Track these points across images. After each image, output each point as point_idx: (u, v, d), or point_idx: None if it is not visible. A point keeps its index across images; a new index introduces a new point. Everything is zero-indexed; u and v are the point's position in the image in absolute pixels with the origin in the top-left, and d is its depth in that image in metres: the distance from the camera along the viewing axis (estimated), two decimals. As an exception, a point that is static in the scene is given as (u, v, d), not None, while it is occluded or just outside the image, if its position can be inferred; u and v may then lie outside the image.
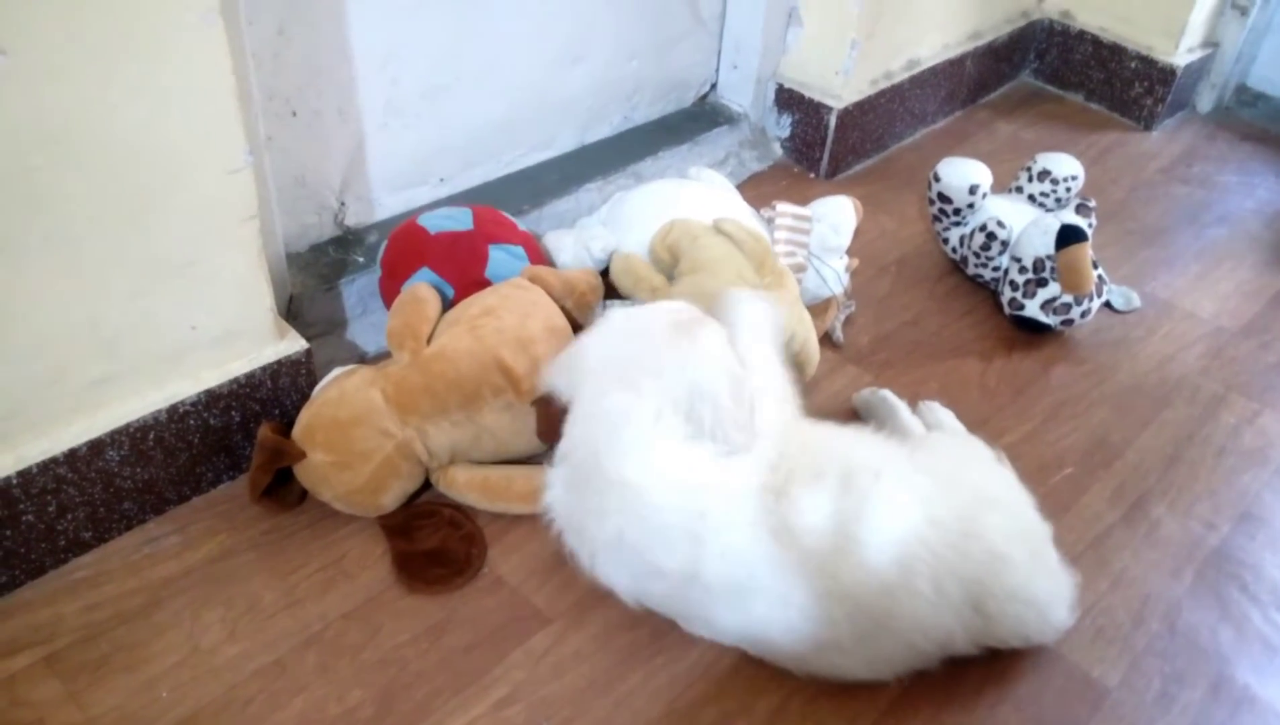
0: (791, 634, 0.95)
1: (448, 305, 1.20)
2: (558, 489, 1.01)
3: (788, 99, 1.80)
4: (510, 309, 1.16)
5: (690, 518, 0.94)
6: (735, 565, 0.94)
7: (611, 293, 1.34)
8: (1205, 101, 2.17)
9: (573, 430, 1.00)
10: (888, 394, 1.30)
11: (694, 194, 1.41)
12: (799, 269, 1.39)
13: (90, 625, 1.01)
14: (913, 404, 1.31)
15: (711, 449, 0.95)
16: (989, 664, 1.02)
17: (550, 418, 1.16)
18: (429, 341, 1.14)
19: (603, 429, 0.97)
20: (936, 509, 0.97)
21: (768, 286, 1.24)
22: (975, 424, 1.30)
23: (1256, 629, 1.12)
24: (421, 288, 1.18)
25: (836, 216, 1.45)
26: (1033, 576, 1.00)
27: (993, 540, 0.97)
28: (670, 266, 1.29)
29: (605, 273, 1.37)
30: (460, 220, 1.28)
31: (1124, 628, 1.10)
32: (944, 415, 1.30)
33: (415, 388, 1.10)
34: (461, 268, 1.24)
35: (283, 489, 1.12)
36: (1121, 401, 1.41)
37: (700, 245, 1.26)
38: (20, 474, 0.98)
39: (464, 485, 1.14)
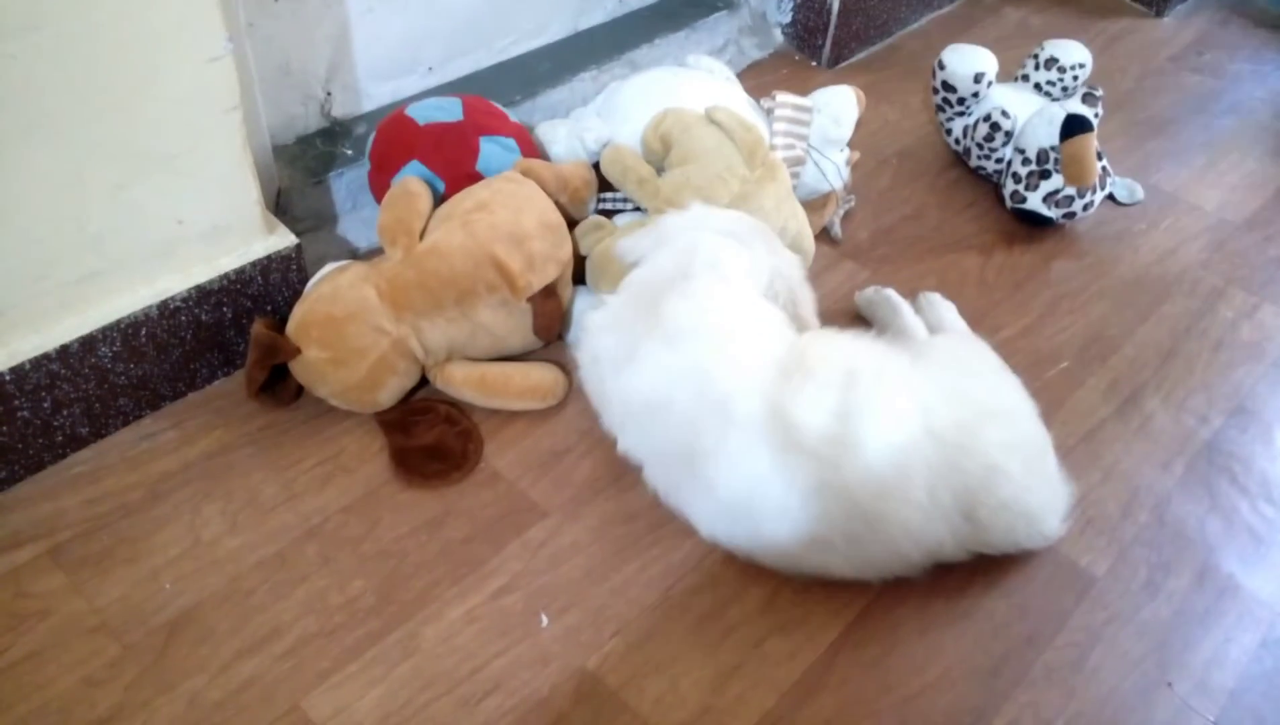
0: (786, 516, 0.95)
1: (439, 199, 1.18)
2: (615, 307, 1.05)
3: (789, -17, 1.74)
4: (504, 204, 1.14)
5: (754, 334, 1.01)
6: (756, 412, 0.95)
7: (605, 186, 1.31)
8: (1221, -15, 2.10)
9: (660, 254, 1.07)
10: (891, 293, 1.29)
11: (691, 83, 1.37)
12: (798, 162, 1.36)
13: (92, 519, 1.02)
14: (912, 299, 1.30)
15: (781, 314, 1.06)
16: (978, 554, 1.04)
17: (547, 314, 1.15)
18: (422, 237, 1.12)
19: (704, 249, 1.04)
20: (936, 419, 0.97)
21: (758, 179, 1.22)
22: (973, 318, 1.29)
23: (1244, 520, 1.13)
24: (412, 181, 1.16)
25: (838, 108, 1.41)
26: (1027, 488, 1.00)
27: (989, 453, 0.97)
28: (663, 156, 1.26)
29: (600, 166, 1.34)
30: (450, 111, 1.24)
31: (1113, 519, 1.12)
32: (944, 309, 1.29)
33: (409, 284, 1.09)
34: (452, 160, 1.21)
35: (279, 385, 1.12)
36: (1120, 295, 1.40)
37: (692, 135, 1.24)
38: (13, 370, 0.98)
39: (461, 382, 1.14)
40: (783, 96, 1.38)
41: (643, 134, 1.28)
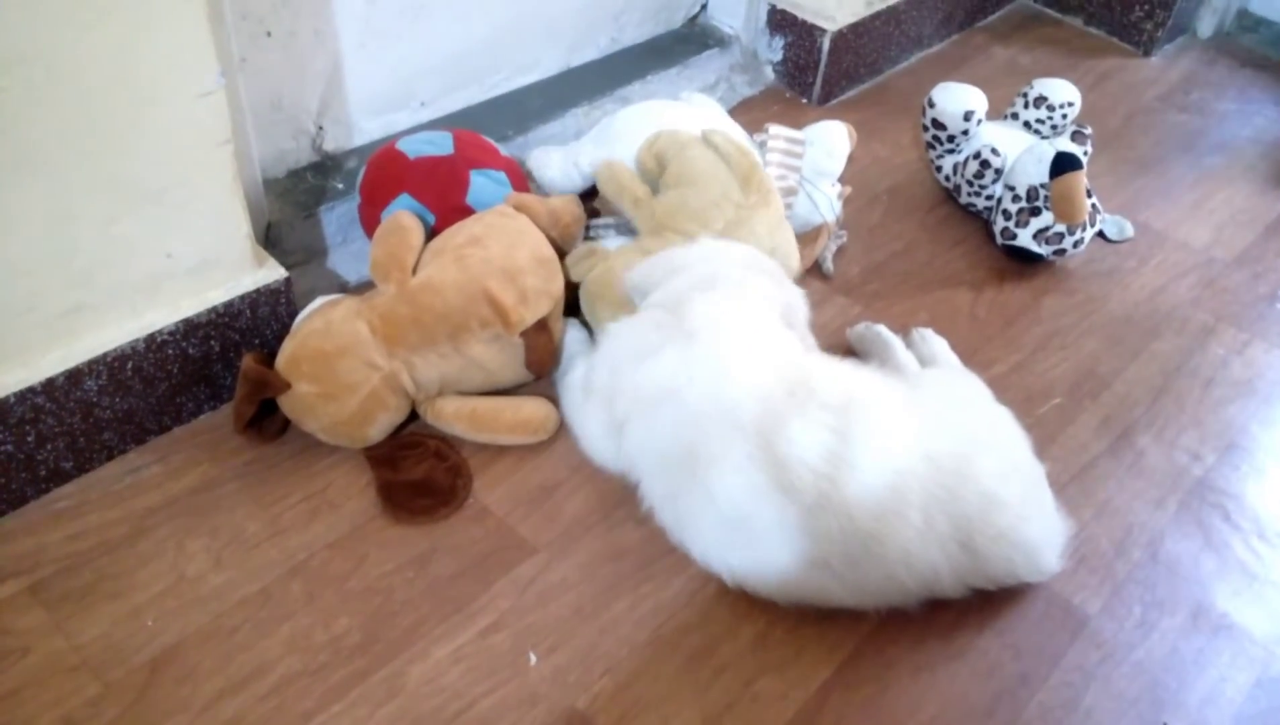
0: (784, 531, 0.95)
1: (429, 232, 1.18)
2: (639, 314, 1.08)
3: (780, 20, 1.76)
4: (496, 238, 1.14)
5: (772, 344, 1.03)
6: (760, 420, 0.95)
7: (592, 214, 1.31)
8: (1206, 26, 2.13)
9: (678, 278, 1.08)
10: (882, 329, 1.29)
11: (685, 112, 1.38)
12: (790, 192, 1.37)
13: (74, 555, 1.01)
14: (904, 335, 1.30)
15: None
16: (971, 593, 1.03)
17: (539, 348, 1.15)
18: (414, 271, 1.12)
19: (727, 276, 1.07)
20: (931, 445, 0.98)
21: (752, 206, 1.22)
22: (964, 354, 1.29)
23: (1237, 557, 1.13)
24: (404, 216, 1.16)
25: (830, 140, 1.42)
26: (1023, 519, 1.00)
27: (984, 482, 0.98)
28: (657, 175, 1.26)
29: (592, 194, 1.34)
30: (440, 144, 1.25)
31: (1107, 556, 1.11)
32: (937, 345, 1.29)
33: (402, 320, 1.08)
34: (442, 193, 1.22)
35: (265, 420, 1.11)
36: (1111, 332, 1.40)
37: (687, 157, 1.23)
38: (-3, 404, 0.97)
39: (451, 416, 1.13)
40: (775, 129, 1.38)
41: (637, 153, 1.28)
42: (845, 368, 1.06)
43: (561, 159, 1.35)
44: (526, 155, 1.40)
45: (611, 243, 1.28)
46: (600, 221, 1.31)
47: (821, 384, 1.00)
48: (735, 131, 1.39)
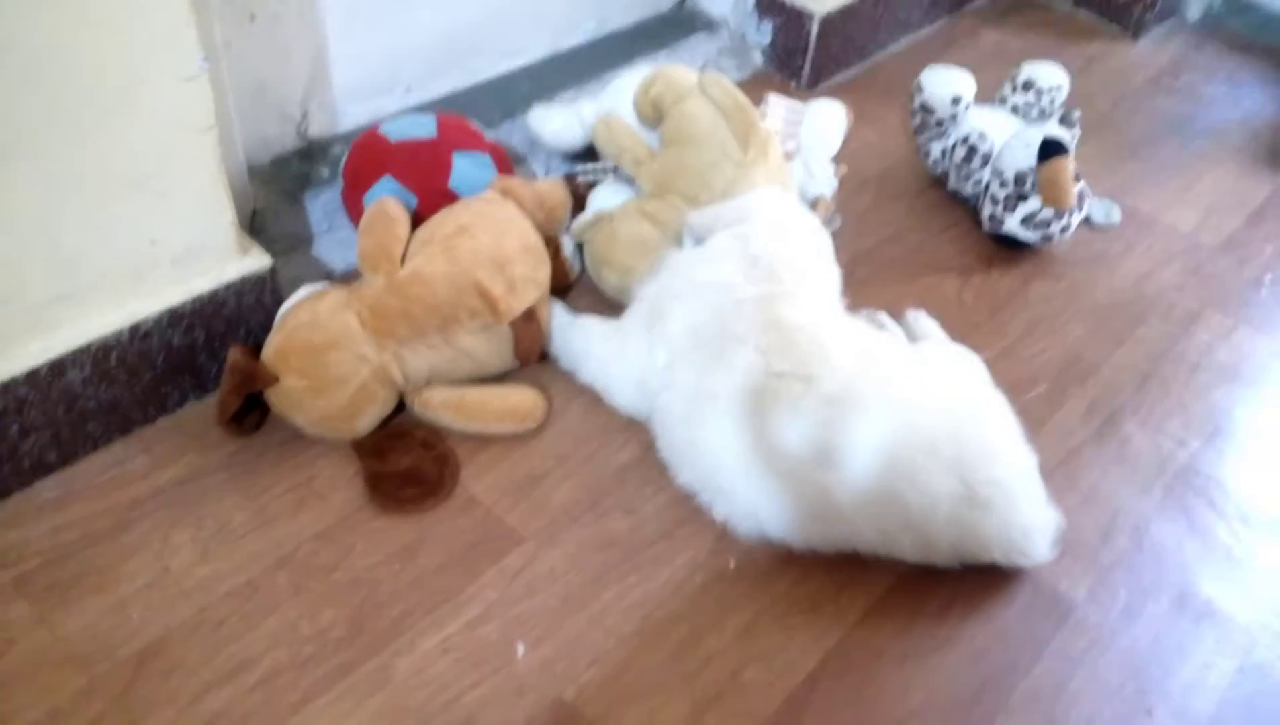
0: (799, 418, 1.00)
1: (411, 216, 1.16)
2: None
3: (769, 4, 1.74)
4: (485, 227, 1.13)
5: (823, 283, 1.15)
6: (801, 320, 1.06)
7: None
8: (1194, 10, 2.12)
9: (750, 223, 1.14)
10: (884, 317, 1.30)
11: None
12: (788, 156, 1.36)
13: (58, 547, 1.00)
14: (898, 319, 1.30)
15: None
16: (957, 580, 1.04)
17: (528, 336, 1.15)
18: (402, 261, 1.11)
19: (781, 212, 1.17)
20: (937, 395, 1.05)
21: (751, 161, 1.21)
22: (952, 340, 1.29)
23: (1221, 542, 1.13)
24: (390, 204, 1.14)
25: (828, 114, 1.42)
26: (1019, 478, 1.03)
27: (987, 432, 1.04)
28: (654, 122, 1.25)
29: (591, 150, 1.35)
30: (424, 127, 1.24)
31: (1092, 543, 1.11)
32: (929, 324, 1.30)
33: (392, 312, 1.07)
34: (424, 176, 1.21)
35: (246, 413, 1.10)
36: (1098, 318, 1.40)
37: (685, 112, 1.22)
38: (-22, 395, 0.96)
39: (439, 405, 1.12)
40: (775, 97, 1.38)
41: (634, 97, 1.26)
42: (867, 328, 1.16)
43: (563, 113, 1.34)
44: (513, 144, 1.39)
45: (608, 197, 1.27)
46: (594, 165, 1.31)
47: (851, 328, 1.10)
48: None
